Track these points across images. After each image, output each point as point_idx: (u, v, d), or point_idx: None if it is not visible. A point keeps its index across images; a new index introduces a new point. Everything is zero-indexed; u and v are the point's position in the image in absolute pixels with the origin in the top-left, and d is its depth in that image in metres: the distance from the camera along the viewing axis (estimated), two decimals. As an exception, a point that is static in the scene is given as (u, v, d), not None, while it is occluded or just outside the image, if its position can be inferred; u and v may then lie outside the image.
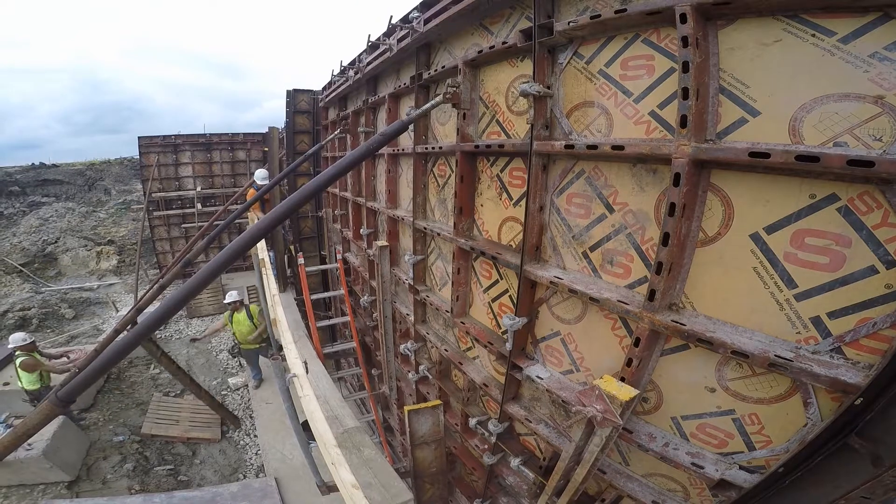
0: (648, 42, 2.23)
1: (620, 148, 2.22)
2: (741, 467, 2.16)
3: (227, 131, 14.93)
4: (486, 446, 4.20)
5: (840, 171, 1.55)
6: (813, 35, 1.67)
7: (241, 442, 7.36)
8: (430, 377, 5.15)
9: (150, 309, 5.70)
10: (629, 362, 2.36)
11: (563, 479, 2.75)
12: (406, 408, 4.30)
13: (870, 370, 1.63)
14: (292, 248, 10.00)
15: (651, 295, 2.14)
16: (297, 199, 3.16)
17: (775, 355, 1.78)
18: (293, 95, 9.41)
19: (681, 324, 2.05)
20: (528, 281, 3.02)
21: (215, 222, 9.00)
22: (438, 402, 4.46)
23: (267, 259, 6.15)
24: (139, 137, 13.93)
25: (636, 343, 2.29)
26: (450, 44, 3.96)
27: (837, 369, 1.70)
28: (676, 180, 1.92)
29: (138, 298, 10.02)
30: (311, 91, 9.47)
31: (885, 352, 1.61)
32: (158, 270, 14.54)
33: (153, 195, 13.87)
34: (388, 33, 4.80)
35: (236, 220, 6.99)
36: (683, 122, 1.89)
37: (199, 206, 14.00)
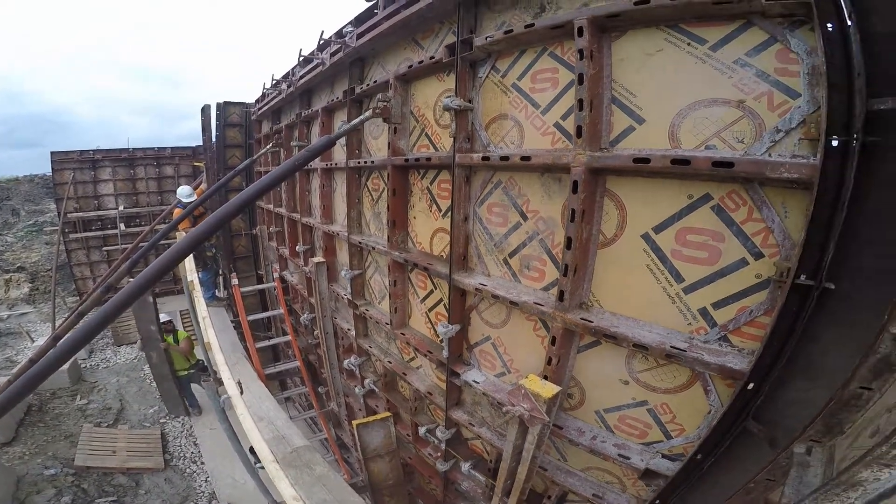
0: (554, 55, 2.36)
1: (528, 159, 2.33)
2: (663, 456, 2.27)
3: (156, 145, 14.04)
4: (438, 454, 4.20)
5: (708, 172, 1.72)
6: (689, 44, 1.82)
7: (188, 469, 7.20)
8: (377, 390, 5.07)
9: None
10: (549, 361, 2.45)
11: (508, 478, 2.79)
12: (354, 422, 4.23)
13: (753, 356, 1.78)
14: (224, 271, 9.56)
15: (561, 295, 2.25)
16: (220, 215, 3.03)
17: (671, 346, 1.92)
18: (223, 108, 9.02)
19: (588, 321, 2.17)
20: (457, 289, 3.08)
21: (140, 244, 8.41)
22: (388, 413, 4.43)
23: (196, 280, 5.82)
24: (52, 153, 12.81)
25: (553, 342, 2.39)
26: (383, 58, 3.98)
27: (725, 357, 1.85)
28: (575, 188, 2.05)
29: (56, 327, 9.23)
30: (244, 104, 9.13)
31: (762, 338, 1.77)
32: (78, 297, 13.31)
33: (69, 216, 12.73)
34: (322, 48, 4.75)
35: (162, 241, 6.56)
36: (579, 132, 2.02)
37: (122, 226, 13.01)
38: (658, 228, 1.98)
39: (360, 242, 4.47)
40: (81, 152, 13.09)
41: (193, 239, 3.01)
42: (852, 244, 1.51)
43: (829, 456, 1.65)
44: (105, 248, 13.40)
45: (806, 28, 1.58)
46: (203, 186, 9.53)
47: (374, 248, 4.20)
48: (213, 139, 9.17)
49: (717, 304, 1.89)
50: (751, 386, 1.73)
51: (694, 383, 2.08)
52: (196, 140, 10.72)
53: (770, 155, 1.67)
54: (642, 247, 2.04)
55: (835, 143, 1.46)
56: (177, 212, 8.33)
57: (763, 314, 1.79)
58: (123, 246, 12.51)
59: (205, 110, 9.25)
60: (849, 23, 1.43)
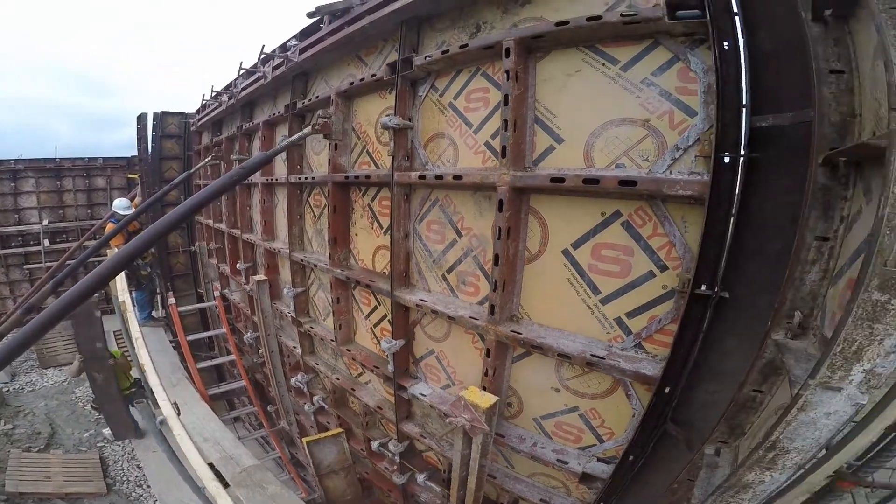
0: (486, 75, 2.45)
1: (459, 178, 2.41)
2: (599, 459, 2.36)
3: (88, 154, 12.96)
4: (394, 467, 4.16)
5: (616, 190, 1.84)
6: (603, 64, 1.93)
7: (133, 493, 6.93)
8: (327, 407, 4.97)
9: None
10: (487, 372, 2.51)
11: (461, 488, 2.81)
12: (305, 440, 4.15)
13: (664, 362, 1.91)
14: (161, 290, 9.04)
15: (492, 309, 2.33)
16: (155, 230, 2.91)
17: (591, 354, 2.03)
18: (161, 118, 8.60)
19: (518, 333, 2.26)
20: (400, 305, 3.09)
21: (67, 261, 7.80)
22: (340, 430, 4.36)
23: (128, 300, 5.47)
24: (-34, 163, 11.65)
25: (488, 353, 2.46)
26: (327, 73, 3.95)
27: (639, 363, 1.97)
28: (500, 206, 2.14)
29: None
30: (183, 113, 8.74)
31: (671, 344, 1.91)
32: (-5, 322, 12.10)
33: (-16, 232, 11.58)
34: (264, 61, 4.64)
35: (92, 258, 6.12)
36: (504, 152, 2.11)
37: (46, 242, 11.93)
38: (576, 244, 2.10)
39: (302, 260, 4.37)
40: (0, 162, 12.00)
41: (125, 255, 2.86)
42: (740, 255, 1.66)
43: (735, 457, 1.78)
44: (27, 266, 12.25)
45: (704, 47, 1.70)
46: (138, 200, 9.00)
47: (316, 266, 4.12)
48: (150, 150, 8.71)
49: (631, 314, 2.02)
50: (667, 390, 1.84)
51: (616, 388, 2.20)
52: (132, 149, 10.09)
53: (671, 172, 1.81)
54: (563, 262, 2.15)
55: (726, 159, 1.58)
56: (109, 226, 7.78)
57: (671, 322, 1.92)
58: (48, 264, 11.52)
59: (141, 119, 8.79)
60: (741, 40, 1.55)
